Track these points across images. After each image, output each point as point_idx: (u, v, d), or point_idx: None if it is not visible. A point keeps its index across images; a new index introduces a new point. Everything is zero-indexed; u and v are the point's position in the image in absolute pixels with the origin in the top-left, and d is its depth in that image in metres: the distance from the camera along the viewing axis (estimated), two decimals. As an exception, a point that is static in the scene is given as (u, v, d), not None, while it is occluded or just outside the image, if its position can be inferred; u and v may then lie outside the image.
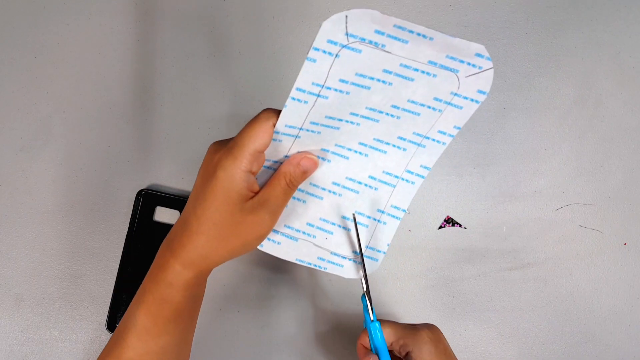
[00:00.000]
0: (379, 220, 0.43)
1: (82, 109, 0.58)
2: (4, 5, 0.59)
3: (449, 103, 0.37)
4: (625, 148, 0.59)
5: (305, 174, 0.40)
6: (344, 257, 0.44)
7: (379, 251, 0.44)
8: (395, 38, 0.33)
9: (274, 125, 0.37)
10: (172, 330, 0.39)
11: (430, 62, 0.35)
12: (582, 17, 0.61)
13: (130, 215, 0.55)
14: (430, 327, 0.44)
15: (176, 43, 0.59)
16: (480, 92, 0.37)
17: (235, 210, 0.36)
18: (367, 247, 0.44)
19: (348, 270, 0.44)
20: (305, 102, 0.35)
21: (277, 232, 0.43)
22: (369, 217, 0.43)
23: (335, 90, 0.35)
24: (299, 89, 0.34)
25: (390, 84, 0.36)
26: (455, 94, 0.37)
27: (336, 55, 0.33)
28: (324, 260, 0.43)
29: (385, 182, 0.42)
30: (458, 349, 0.55)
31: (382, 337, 0.42)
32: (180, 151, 0.57)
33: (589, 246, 0.58)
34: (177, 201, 0.55)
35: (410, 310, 0.56)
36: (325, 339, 0.55)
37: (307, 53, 0.33)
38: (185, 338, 0.41)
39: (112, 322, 0.54)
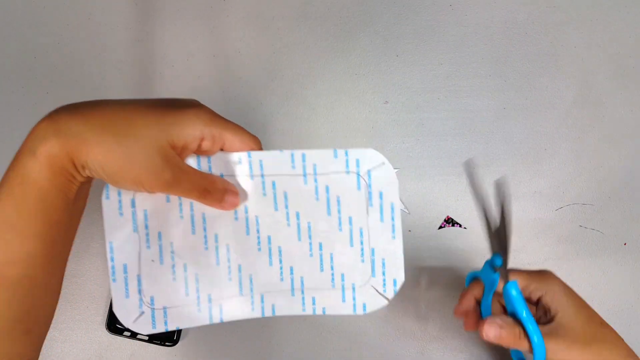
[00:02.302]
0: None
1: (82, 109, 0.58)
2: (4, 5, 0.59)
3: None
4: (625, 148, 0.59)
5: (220, 199, 0.35)
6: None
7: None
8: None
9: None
10: (41, 231, 0.32)
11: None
12: (582, 17, 0.61)
13: (130, 215, 0.55)
14: (550, 271, 0.43)
15: (176, 43, 0.59)
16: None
17: (161, 142, 0.31)
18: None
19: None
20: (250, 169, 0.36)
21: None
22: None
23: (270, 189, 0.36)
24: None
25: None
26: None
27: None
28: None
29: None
30: (458, 349, 0.55)
31: (521, 297, 0.39)
32: (180, 151, 0.57)
33: (589, 246, 0.58)
34: (177, 201, 0.55)
35: (410, 310, 0.56)
36: (326, 339, 0.55)
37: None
38: (58, 262, 0.34)
39: (112, 322, 0.54)
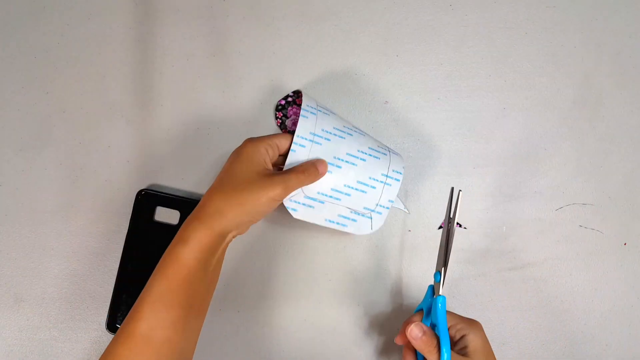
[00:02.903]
0: (384, 182, 0.51)
1: (82, 109, 0.58)
2: (4, 5, 0.59)
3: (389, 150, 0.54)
4: (625, 148, 0.59)
5: (316, 171, 0.48)
6: (361, 214, 0.51)
7: (383, 206, 0.51)
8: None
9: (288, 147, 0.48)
10: (184, 302, 0.40)
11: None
12: (582, 17, 0.61)
13: (130, 215, 0.55)
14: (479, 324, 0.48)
15: (176, 43, 0.59)
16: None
17: (253, 171, 0.44)
18: (376, 204, 0.51)
19: (363, 225, 0.51)
20: (303, 146, 0.48)
21: (309, 197, 0.49)
22: (376, 179, 0.51)
23: (321, 137, 0.49)
24: (299, 136, 0.48)
25: (351, 135, 0.51)
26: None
27: (316, 114, 0.50)
28: (346, 218, 0.50)
29: (375, 157, 0.52)
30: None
31: (444, 310, 0.44)
32: (180, 151, 0.57)
33: (589, 246, 0.58)
34: (177, 201, 0.55)
35: (409, 310, 0.56)
36: (326, 339, 0.55)
37: (300, 113, 0.49)
38: (193, 325, 0.42)
39: (112, 322, 0.54)
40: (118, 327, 0.53)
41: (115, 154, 0.57)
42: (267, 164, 0.46)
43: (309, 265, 0.56)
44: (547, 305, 0.57)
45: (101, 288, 0.55)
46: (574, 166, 0.59)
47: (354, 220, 0.51)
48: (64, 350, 0.54)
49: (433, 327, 0.46)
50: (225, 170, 0.45)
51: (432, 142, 0.58)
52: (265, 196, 0.43)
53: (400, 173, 0.51)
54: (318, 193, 0.49)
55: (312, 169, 0.47)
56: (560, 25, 0.60)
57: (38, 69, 0.58)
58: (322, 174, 0.48)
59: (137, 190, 0.55)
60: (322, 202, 0.49)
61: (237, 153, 0.45)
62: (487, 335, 0.47)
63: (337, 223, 0.50)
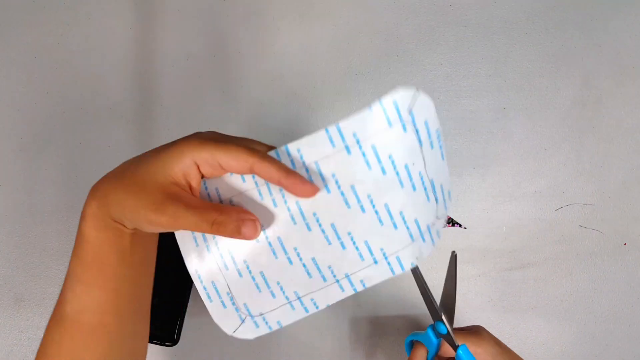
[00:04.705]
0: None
1: (82, 109, 0.58)
2: (4, 5, 0.59)
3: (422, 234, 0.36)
4: (625, 148, 0.59)
5: (237, 236, 0.34)
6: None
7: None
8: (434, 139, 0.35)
9: (253, 168, 0.33)
10: (101, 282, 0.36)
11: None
12: (582, 17, 0.61)
13: (130, 215, 0.55)
14: (480, 327, 0.47)
15: (176, 43, 0.59)
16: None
17: (157, 180, 0.33)
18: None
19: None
20: (258, 193, 0.35)
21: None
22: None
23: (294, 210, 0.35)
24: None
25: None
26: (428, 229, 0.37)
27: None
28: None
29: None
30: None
31: (471, 357, 0.44)
32: (180, 151, 0.57)
33: (589, 246, 0.58)
34: (177, 201, 0.55)
35: (410, 310, 0.56)
36: (326, 339, 0.55)
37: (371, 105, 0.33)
38: (132, 315, 0.38)
39: (112, 322, 0.53)
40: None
41: (115, 154, 0.57)
42: (182, 183, 0.34)
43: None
44: (547, 305, 0.57)
45: (101, 288, 0.55)
46: (574, 166, 0.59)
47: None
48: (64, 350, 0.54)
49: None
50: (143, 157, 0.35)
51: (432, 142, 0.58)
52: (145, 216, 0.33)
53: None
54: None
55: (230, 223, 0.34)
56: (560, 25, 0.60)
57: (38, 69, 0.58)
58: (245, 238, 0.34)
59: (137, 190, 0.56)
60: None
61: (166, 150, 0.34)
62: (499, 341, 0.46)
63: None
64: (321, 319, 0.56)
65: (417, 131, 0.34)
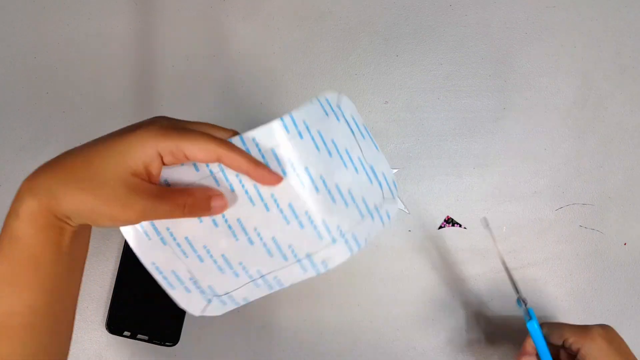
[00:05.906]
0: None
1: (82, 109, 0.58)
2: (4, 5, 0.59)
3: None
4: (625, 148, 0.59)
5: (208, 213, 0.35)
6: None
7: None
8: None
9: (218, 155, 0.33)
10: (35, 284, 0.33)
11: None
12: (582, 17, 0.61)
13: (130, 215, 0.55)
14: (603, 326, 0.45)
15: (176, 43, 0.59)
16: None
17: (116, 172, 0.31)
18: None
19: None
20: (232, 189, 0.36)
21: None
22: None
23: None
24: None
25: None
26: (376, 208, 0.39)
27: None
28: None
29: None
30: (458, 349, 0.55)
31: (540, 334, 0.45)
32: (180, 151, 0.57)
33: (589, 246, 0.58)
34: (177, 201, 0.55)
35: (409, 310, 0.56)
36: (326, 339, 0.55)
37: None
38: (57, 305, 0.35)
39: (112, 322, 0.53)
40: (118, 327, 0.53)
41: (115, 154, 0.57)
42: (142, 174, 0.32)
43: (309, 265, 0.56)
44: (547, 305, 0.57)
45: (101, 288, 0.55)
46: (574, 166, 0.59)
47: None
48: (64, 350, 0.54)
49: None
50: (93, 147, 0.33)
51: (432, 142, 0.58)
52: (107, 213, 0.32)
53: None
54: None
55: (201, 203, 0.34)
56: (560, 25, 0.60)
57: (38, 69, 0.58)
58: (216, 212, 0.34)
59: (137, 190, 0.55)
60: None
61: (123, 140, 0.32)
62: (618, 340, 0.45)
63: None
64: (321, 318, 0.56)
65: (347, 122, 0.39)
